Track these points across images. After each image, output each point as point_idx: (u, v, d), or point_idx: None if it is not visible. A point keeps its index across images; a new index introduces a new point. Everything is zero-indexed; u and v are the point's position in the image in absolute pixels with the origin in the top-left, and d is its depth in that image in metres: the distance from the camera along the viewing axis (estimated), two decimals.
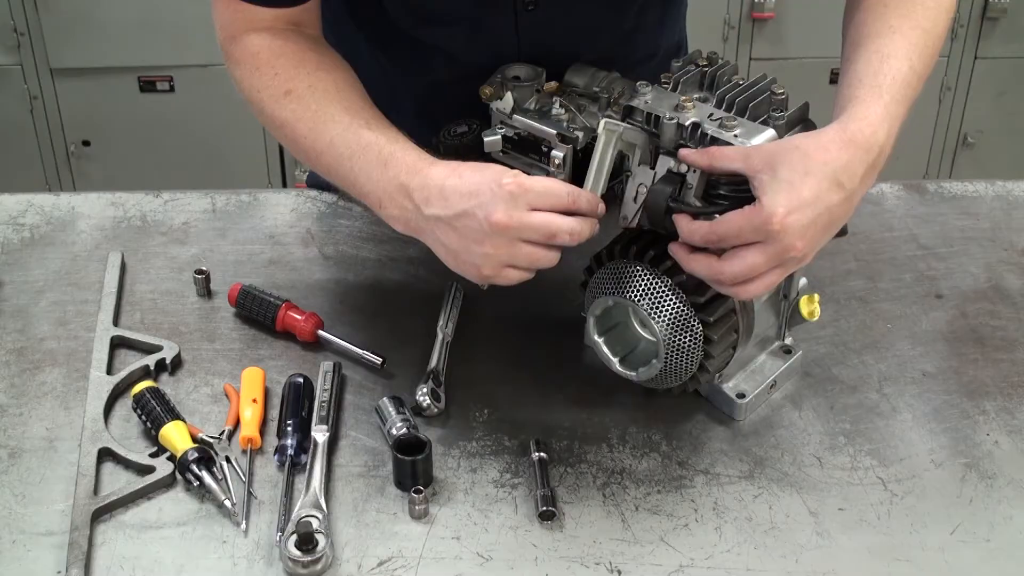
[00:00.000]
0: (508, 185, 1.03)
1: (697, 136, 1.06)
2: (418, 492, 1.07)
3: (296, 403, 1.16)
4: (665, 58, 1.16)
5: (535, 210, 1.04)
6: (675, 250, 1.06)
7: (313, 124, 1.14)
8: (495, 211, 1.02)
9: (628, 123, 1.10)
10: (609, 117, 1.11)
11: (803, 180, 0.99)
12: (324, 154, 1.14)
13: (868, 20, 1.14)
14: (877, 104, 1.06)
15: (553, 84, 1.21)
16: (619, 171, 1.13)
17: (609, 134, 1.09)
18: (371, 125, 1.12)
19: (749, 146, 1.04)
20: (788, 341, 1.23)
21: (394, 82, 1.36)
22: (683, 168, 1.07)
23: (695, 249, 1.05)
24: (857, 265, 1.41)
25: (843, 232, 1.07)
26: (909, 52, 1.10)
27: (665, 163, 1.08)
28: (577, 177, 1.12)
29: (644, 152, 1.11)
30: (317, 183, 1.59)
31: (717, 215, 1.03)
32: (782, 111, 1.08)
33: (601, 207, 1.08)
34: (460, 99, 1.21)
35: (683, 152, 1.06)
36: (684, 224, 1.05)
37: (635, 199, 1.11)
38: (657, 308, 1.09)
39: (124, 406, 1.19)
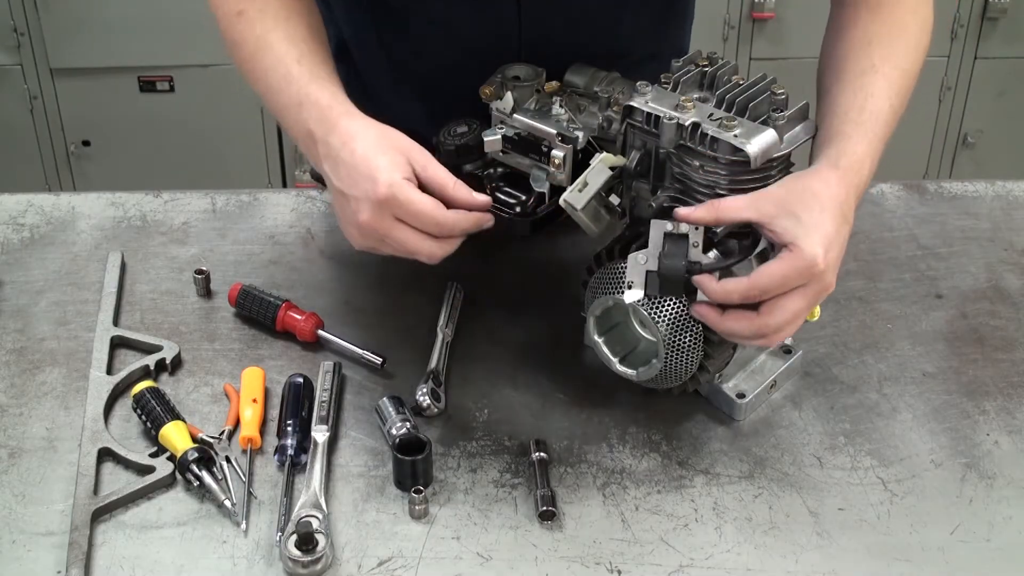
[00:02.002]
0: (380, 191, 1.02)
1: (697, 136, 1.06)
2: (418, 492, 1.07)
3: (296, 403, 1.16)
4: (666, 60, 1.15)
5: (402, 222, 1.04)
6: (704, 313, 1.05)
7: (255, 49, 1.14)
8: (362, 211, 1.03)
9: (630, 122, 1.10)
10: (607, 151, 1.12)
11: (823, 218, 1.02)
12: (259, 82, 1.14)
13: (851, 56, 1.16)
14: (863, 141, 1.09)
15: (553, 84, 1.21)
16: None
17: (602, 165, 1.10)
18: (302, 59, 1.12)
19: (752, 195, 1.04)
20: (788, 341, 1.23)
21: (397, 64, 1.35)
22: (682, 228, 1.05)
23: (722, 306, 1.04)
24: (857, 265, 1.41)
25: None
26: (889, 92, 1.13)
27: (660, 227, 1.06)
28: (577, 176, 1.12)
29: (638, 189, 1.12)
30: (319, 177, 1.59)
31: (734, 265, 1.03)
32: (782, 111, 1.08)
33: (488, 223, 1.08)
34: (461, 85, 1.20)
35: (682, 212, 1.04)
36: (715, 286, 1.03)
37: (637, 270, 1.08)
38: (657, 308, 1.09)
39: (124, 406, 1.19)
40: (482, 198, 1.08)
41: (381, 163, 1.04)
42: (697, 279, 1.04)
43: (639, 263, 1.06)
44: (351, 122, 1.07)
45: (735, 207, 1.03)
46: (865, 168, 1.08)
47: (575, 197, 1.10)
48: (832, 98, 1.14)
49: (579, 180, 1.10)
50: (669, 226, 1.06)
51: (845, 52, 1.17)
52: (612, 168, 1.11)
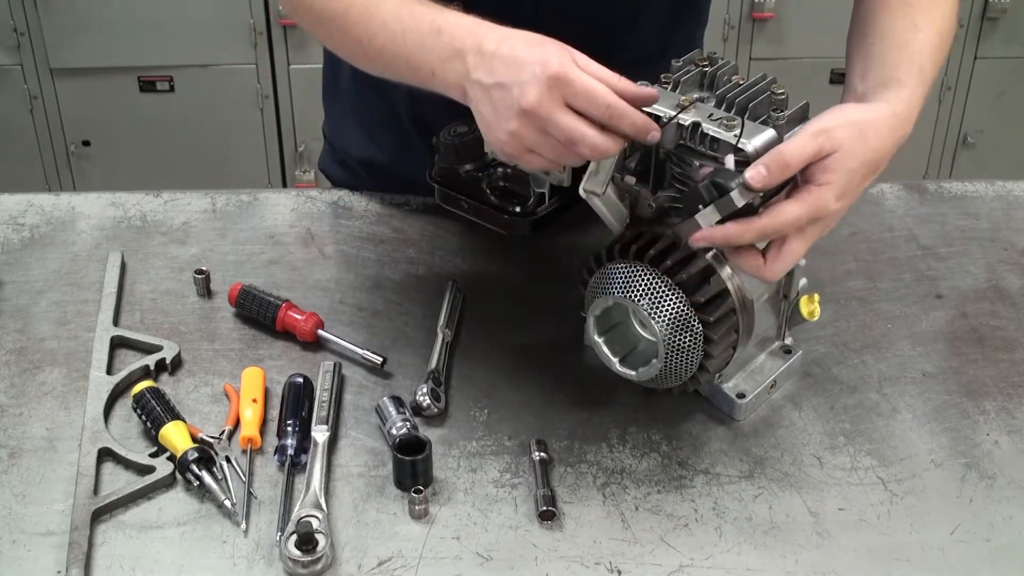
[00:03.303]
0: (551, 70, 0.99)
1: (697, 136, 1.06)
2: (418, 492, 1.07)
3: (296, 403, 1.16)
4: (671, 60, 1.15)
5: (570, 106, 1.00)
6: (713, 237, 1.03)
7: (364, 8, 1.12)
8: (528, 93, 0.99)
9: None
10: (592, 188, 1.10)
11: (859, 168, 1.02)
12: (377, 36, 1.11)
13: (891, 15, 1.16)
14: (916, 93, 1.09)
15: None
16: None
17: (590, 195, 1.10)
18: (421, 1, 1.11)
19: (814, 131, 1.02)
20: (788, 341, 1.23)
21: None
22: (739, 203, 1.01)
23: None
24: (857, 265, 1.41)
25: None
26: (932, 54, 1.14)
27: (727, 206, 1.02)
28: (577, 175, 1.12)
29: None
30: (328, 172, 1.59)
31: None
32: (782, 111, 1.08)
33: (654, 134, 1.03)
34: None
35: (753, 177, 0.99)
36: (734, 229, 1.02)
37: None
38: (657, 308, 1.09)
39: (124, 406, 1.19)
40: (650, 90, 1.04)
41: (550, 48, 1.01)
42: (700, 235, 1.03)
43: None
44: (505, 28, 1.05)
45: (802, 156, 1.00)
46: (913, 120, 1.09)
47: (593, 183, 1.10)
48: (878, 52, 1.14)
49: (591, 166, 1.10)
50: (737, 198, 1.01)
51: (884, 11, 1.17)
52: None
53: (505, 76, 1.01)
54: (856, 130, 1.03)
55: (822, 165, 1.01)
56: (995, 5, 3.09)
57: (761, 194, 1.01)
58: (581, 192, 1.11)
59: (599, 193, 1.10)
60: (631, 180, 1.13)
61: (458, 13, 1.08)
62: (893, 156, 1.09)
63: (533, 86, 0.99)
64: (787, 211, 1.01)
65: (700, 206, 1.02)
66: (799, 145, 1.01)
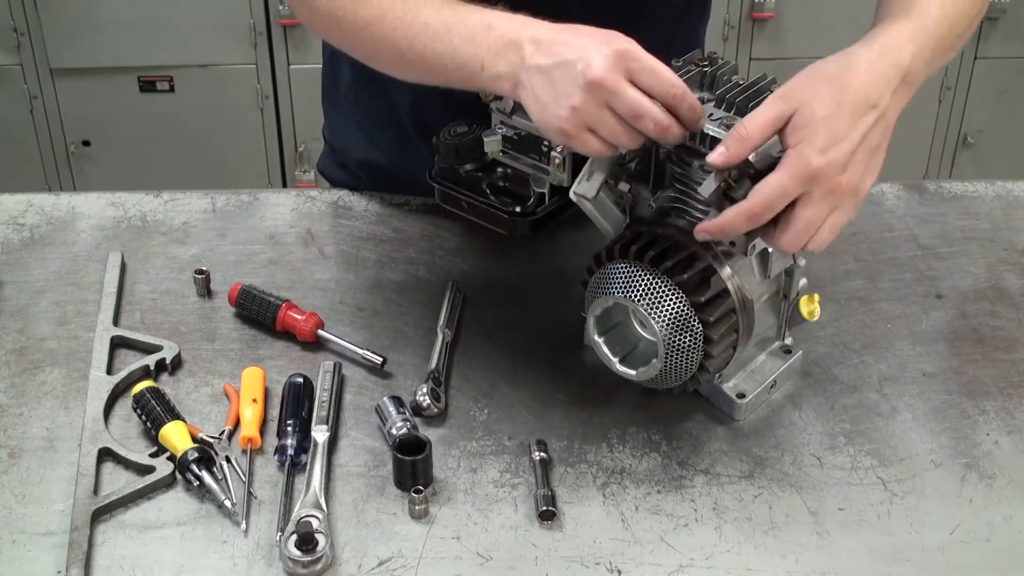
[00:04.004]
0: (617, 45, 1.00)
1: (697, 136, 1.06)
2: (418, 492, 1.07)
3: (296, 403, 1.16)
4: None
5: (633, 83, 1.00)
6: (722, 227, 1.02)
7: (403, 13, 1.12)
8: (595, 65, 0.99)
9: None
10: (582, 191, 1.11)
11: (837, 113, 0.99)
12: (418, 37, 1.11)
13: None
14: (904, 25, 1.06)
15: None
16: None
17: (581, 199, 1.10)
18: (460, 1, 1.11)
19: (770, 99, 1.01)
20: (788, 341, 1.23)
21: None
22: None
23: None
24: (857, 265, 1.41)
25: None
26: (943, 2, 1.10)
27: (708, 188, 1.03)
28: (578, 174, 1.12)
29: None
30: (328, 174, 1.59)
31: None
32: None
33: (703, 122, 1.03)
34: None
35: (714, 158, 1.00)
36: (718, 220, 1.01)
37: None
38: (657, 308, 1.09)
39: (124, 406, 1.19)
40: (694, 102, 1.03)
41: (612, 31, 1.02)
42: (700, 227, 1.02)
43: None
44: (556, 24, 1.05)
45: (759, 126, 0.99)
46: (906, 51, 1.04)
47: (584, 187, 1.10)
48: (880, 7, 1.12)
49: (584, 169, 1.10)
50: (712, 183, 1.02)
51: None
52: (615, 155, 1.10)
53: (570, 54, 1.01)
54: (819, 80, 1.00)
55: (791, 126, 0.99)
56: (995, 5, 3.09)
57: (729, 176, 1.00)
58: (572, 196, 1.11)
59: (589, 198, 1.11)
60: (625, 187, 1.13)
61: (505, 11, 1.09)
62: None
63: (600, 59, 0.99)
64: (767, 183, 0.98)
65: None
66: (754, 115, 1.00)
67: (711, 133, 1.05)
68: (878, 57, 1.03)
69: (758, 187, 0.99)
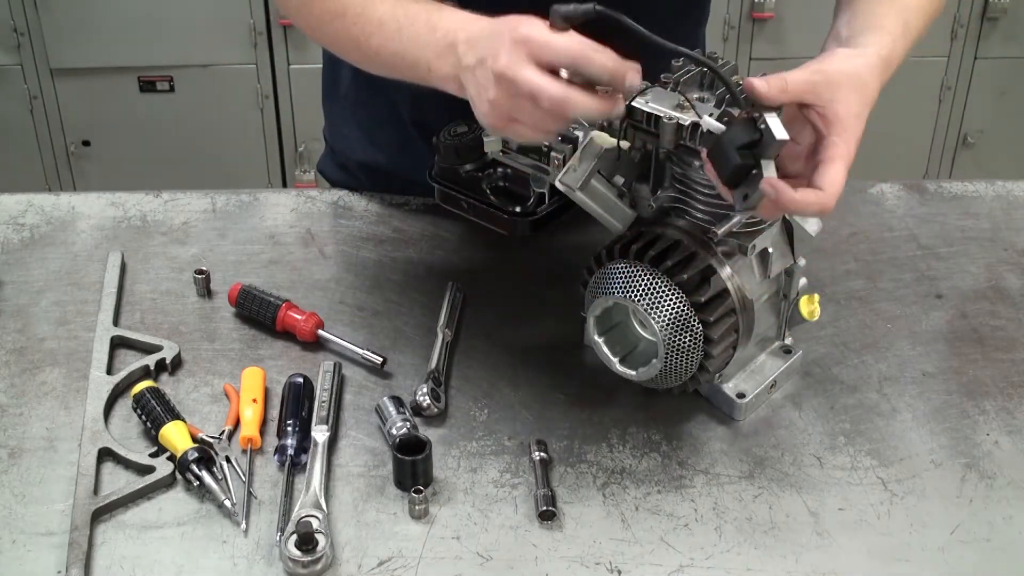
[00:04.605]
0: (516, 31, 1.01)
1: (697, 136, 1.06)
2: (418, 492, 1.07)
3: (296, 403, 1.16)
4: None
5: (540, 64, 1.00)
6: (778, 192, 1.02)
7: (361, 9, 1.14)
8: (499, 58, 1.00)
9: (631, 122, 1.10)
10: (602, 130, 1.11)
11: (861, 109, 1.03)
12: (374, 35, 1.13)
13: None
14: (901, 42, 1.12)
15: None
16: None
17: (592, 143, 1.10)
18: (415, 1, 1.12)
19: (810, 74, 1.03)
20: (788, 341, 1.23)
21: None
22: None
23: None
24: (857, 265, 1.41)
25: None
26: (920, 9, 1.16)
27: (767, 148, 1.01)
28: None
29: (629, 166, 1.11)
30: (327, 175, 1.59)
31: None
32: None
33: (632, 76, 1.02)
34: None
35: (756, 82, 1.00)
36: (797, 197, 1.00)
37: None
38: (657, 308, 1.09)
39: (124, 406, 1.19)
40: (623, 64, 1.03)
41: (521, 17, 1.02)
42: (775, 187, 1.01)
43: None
44: (486, 17, 1.06)
45: (800, 86, 1.02)
46: (894, 66, 1.11)
47: (569, 177, 1.10)
48: (864, 2, 1.15)
49: (572, 159, 1.10)
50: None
51: None
52: (607, 148, 1.10)
53: (481, 51, 1.03)
54: (852, 73, 1.05)
55: (834, 116, 1.02)
56: (995, 5, 3.09)
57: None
58: (558, 185, 1.11)
59: (574, 187, 1.10)
60: (619, 180, 1.13)
61: (453, 9, 1.10)
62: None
63: (503, 51, 1.00)
64: (838, 177, 1.01)
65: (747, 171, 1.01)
66: (795, 73, 1.03)
67: (709, 127, 1.05)
68: (885, 69, 1.08)
69: (834, 180, 1.00)
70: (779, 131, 0.99)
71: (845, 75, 1.04)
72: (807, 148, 1.04)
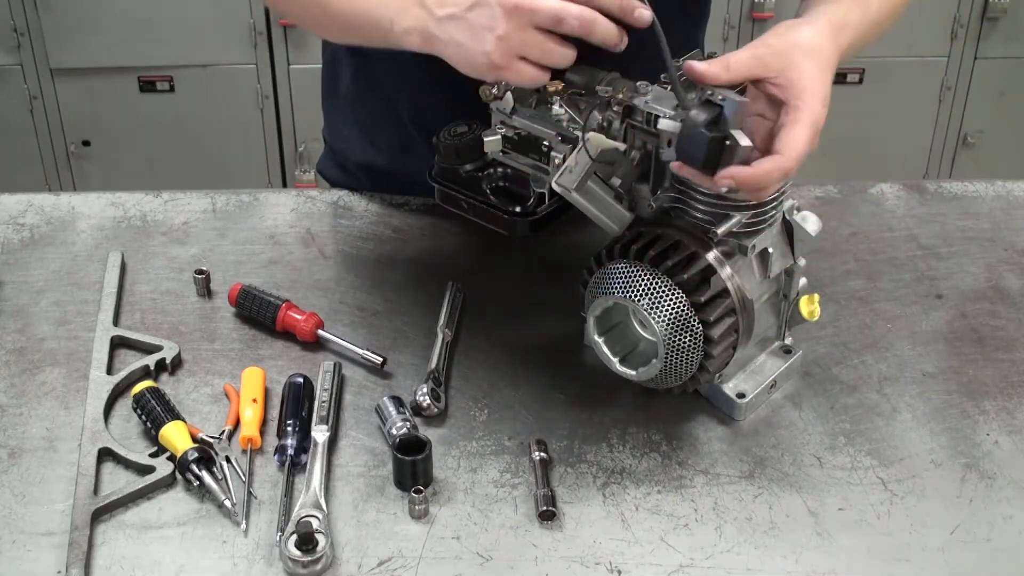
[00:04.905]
0: None
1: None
2: (418, 492, 1.07)
3: (296, 403, 1.16)
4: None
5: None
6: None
7: None
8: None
9: (630, 122, 1.10)
10: (595, 131, 1.11)
11: (820, 72, 1.04)
12: (348, 8, 1.13)
13: None
14: (854, 9, 1.12)
15: (556, 83, 1.21)
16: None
17: (589, 144, 1.10)
18: None
19: (753, 50, 1.05)
20: (788, 341, 1.23)
21: (405, 58, 1.36)
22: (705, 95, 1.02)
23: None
24: (857, 265, 1.41)
25: None
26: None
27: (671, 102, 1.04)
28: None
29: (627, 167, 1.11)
30: (327, 175, 1.59)
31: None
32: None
33: (641, 11, 1.04)
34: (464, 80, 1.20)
35: (698, 66, 1.02)
36: (755, 171, 1.01)
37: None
38: (657, 308, 1.09)
39: (124, 406, 1.19)
40: None
41: None
42: (729, 172, 1.02)
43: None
44: None
45: (744, 63, 1.03)
46: (849, 31, 1.11)
47: (565, 178, 1.10)
48: None
49: (567, 161, 1.10)
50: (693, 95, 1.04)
51: None
52: (603, 149, 1.10)
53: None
54: (807, 45, 1.05)
55: (789, 82, 1.02)
56: (995, 5, 3.10)
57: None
58: (554, 186, 1.11)
59: (570, 188, 1.10)
60: (616, 182, 1.13)
61: None
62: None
63: None
64: (799, 139, 1.01)
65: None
66: (739, 53, 1.05)
67: (666, 128, 1.05)
68: (834, 34, 1.09)
69: (793, 143, 1.01)
70: (735, 95, 1.01)
71: (792, 43, 1.05)
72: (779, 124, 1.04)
